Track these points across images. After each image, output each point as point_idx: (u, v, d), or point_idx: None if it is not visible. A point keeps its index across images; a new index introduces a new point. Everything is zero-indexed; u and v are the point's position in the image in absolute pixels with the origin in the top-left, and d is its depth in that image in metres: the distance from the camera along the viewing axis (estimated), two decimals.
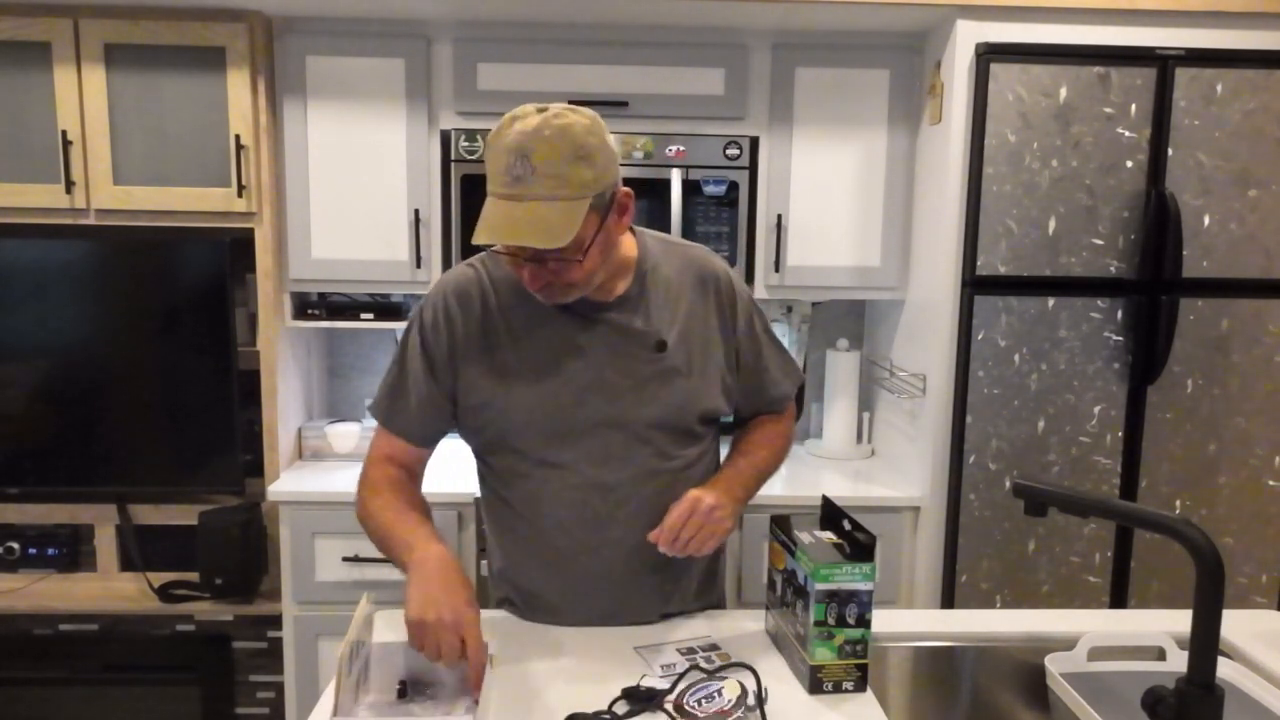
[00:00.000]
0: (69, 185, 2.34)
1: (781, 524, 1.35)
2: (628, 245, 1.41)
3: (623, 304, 1.38)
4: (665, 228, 2.41)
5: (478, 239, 1.21)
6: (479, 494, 1.53)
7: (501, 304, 1.39)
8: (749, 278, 2.54)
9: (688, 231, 2.45)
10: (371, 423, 2.66)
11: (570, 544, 1.40)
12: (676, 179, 2.44)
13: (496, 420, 1.38)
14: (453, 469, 2.11)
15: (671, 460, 1.41)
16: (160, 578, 2.53)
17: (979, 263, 2.24)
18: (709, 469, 1.49)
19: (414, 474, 1.47)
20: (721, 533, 1.32)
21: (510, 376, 1.37)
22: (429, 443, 1.46)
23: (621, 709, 1.18)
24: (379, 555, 2.34)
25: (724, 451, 1.61)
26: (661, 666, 1.30)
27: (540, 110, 1.22)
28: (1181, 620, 1.45)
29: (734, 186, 2.47)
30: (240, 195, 2.36)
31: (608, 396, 1.36)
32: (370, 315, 2.58)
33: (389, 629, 1.39)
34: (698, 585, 1.51)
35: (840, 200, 2.53)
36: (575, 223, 1.20)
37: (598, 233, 1.26)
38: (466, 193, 2.43)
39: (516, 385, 1.36)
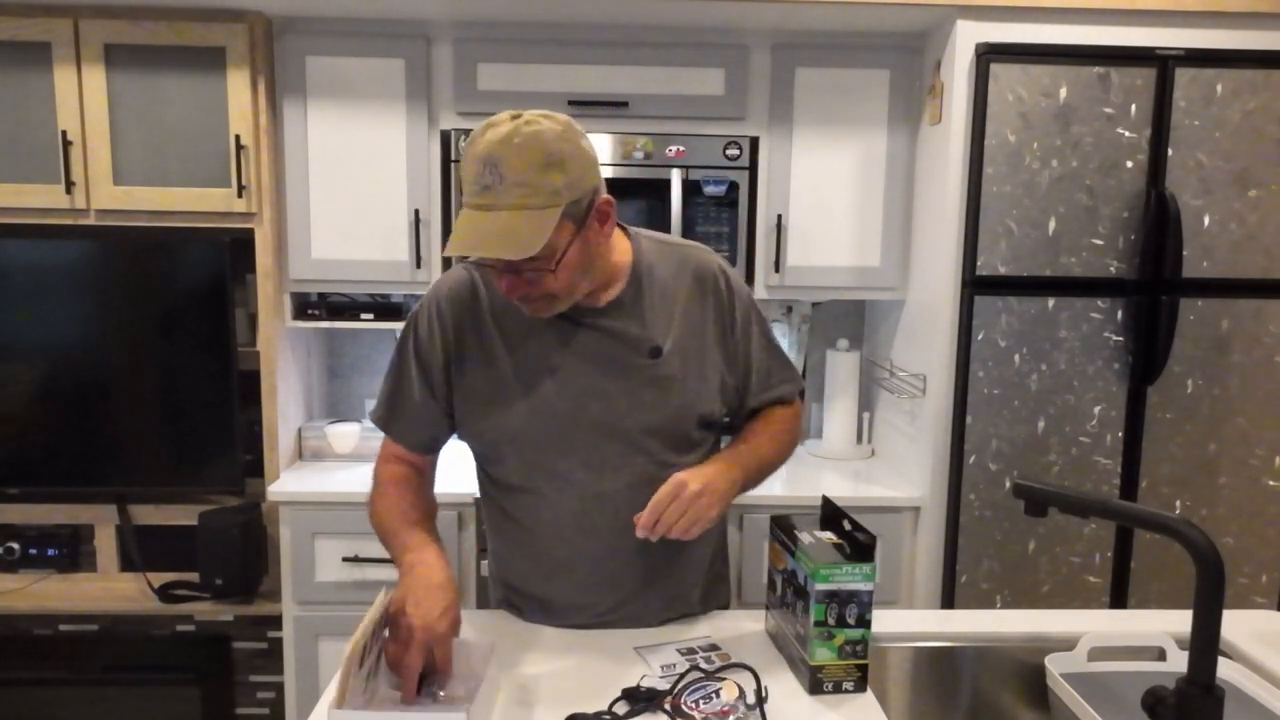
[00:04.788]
0: (69, 185, 2.34)
1: (781, 524, 1.35)
2: (621, 249, 1.39)
3: (616, 309, 1.36)
4: (665, 228, 2.42)
5: (448, 251, 1.21)
6: (479, 495, 1.53)
7: (495, 309, 1.38)
8: (749, 278, 2.54)
9: (687, 232, 2.45)
10: (371, 423, 2.68)
11: (570, 554, 1.39)
12: (676, 179, 2.44)
13: (492, 429, 1.38)
14: (453, 469, 2.10)
15: (669, 467, 1.37)
16: (160, 578, 2.53)
17: (979, 263, 2.24)
18: None
19: (423, 472, 1.48)
20: (706, 520, 1.27)
21: (504, 384, 1.36)
22: (431, 449, 1.47)
23: (621, 709, 1.18)
24: (379, 555, 2.36)
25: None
26: (662, 667, 1.30)
27: (514, 117, 1.20)
28: (1181, 620, 1.45)
29: (734, 186, 2.47)
30: (240, 195, 2.36)
31: (603, 403, 1.35)
32: (370, 315, 2.58)
33: None
34: (701, 592, 1.51)
35: (840, 200, 2.53)
36: (544, 232, 1.18)
37: (572, 241, 1.23)
38: None
39: (511, 393, 1.36)
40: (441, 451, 1.50)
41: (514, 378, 1.36)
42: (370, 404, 2.89)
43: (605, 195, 1.28)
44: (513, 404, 1.36)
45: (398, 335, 2.81)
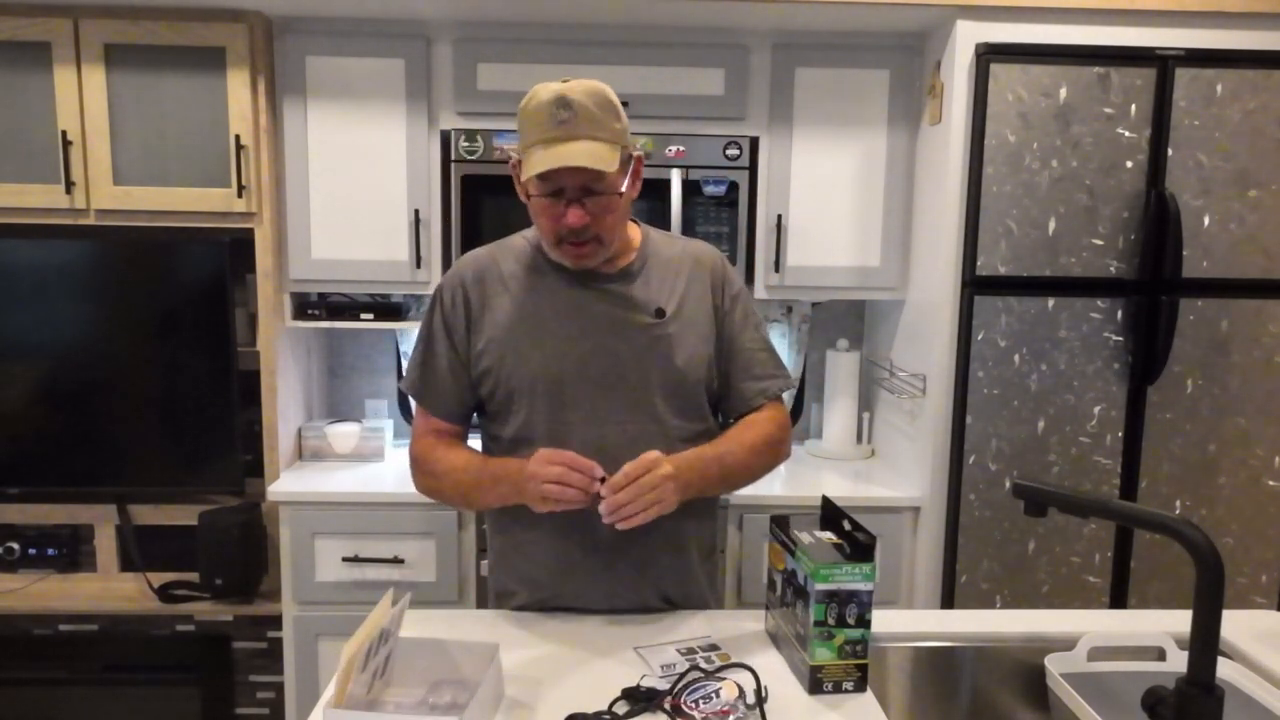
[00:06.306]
0: (69, 185, 2.33)
1: (781, 524, 1.35)
2: (632, 230, 1.53)
3: (625, 276, 1.48)
4: (665, 228, 2.41)
5: (534, 171, 1.31)
6: None
7: (511, 279, 1.49)
8: (749, 278, 2.54)
9: (687, 232, 2.45)
10: (371, 423, 2.69)
11: (573, 514, 1.40)
12: (676, 179, 2.44)
13: (504, 382, 1.46)
14: None
15: (670, 430, 1.45)
16: (160, 578, 2.53)
17: (979, 263, 2.24)
18: None
19: (460, 437, 1.57)
20: (656, 512, 1.31)
21: (517, 340, 1.46)
22: (462, 417, 1.54)
23: (621, 709, 1.18)
24: (379, 555, 2.37)
25: None
26: (661, 666, 1.30)
27: (562, 81, 1.35)
28: (1181, 620, 1.45)
29: (734, 186, 2.47)
30: (240, 195, 2.36)
31: (609, 360, 1.44)
32: (370, 315, 2.58)
33: (412, 627, 1.39)
34: (701, 584, 1.53)
35: (840, 200, 2.53)
36: (615, 159, 1.34)
37: (625, 186, 1.39)
38: (466, 193, 2.43)
39: (522, 348, 1.45)
40: (469, 425, 1.56)
41: (525, 335, 1.45)
42: (370, 404, 2.90)
43: (638, 153, 1.44)
44: (522, 358, 1.45)
45: (398, 335, 2.83)
